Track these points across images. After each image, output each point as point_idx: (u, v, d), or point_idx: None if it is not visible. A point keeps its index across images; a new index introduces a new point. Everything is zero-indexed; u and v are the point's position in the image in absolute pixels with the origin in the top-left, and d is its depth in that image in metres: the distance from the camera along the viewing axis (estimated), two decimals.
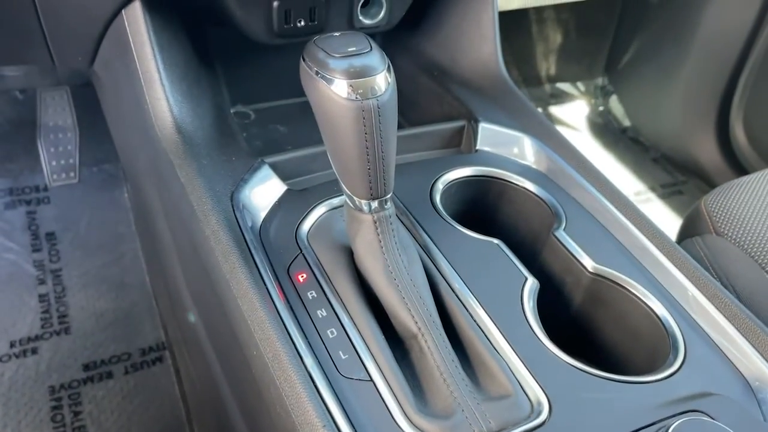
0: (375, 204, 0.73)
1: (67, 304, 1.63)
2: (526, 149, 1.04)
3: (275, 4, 1.02)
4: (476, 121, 1.07)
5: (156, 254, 1.24)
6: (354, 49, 0.70)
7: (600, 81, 2.45)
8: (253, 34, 1.06)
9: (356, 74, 0.67)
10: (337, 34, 0.74)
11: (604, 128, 2.42)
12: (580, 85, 2.46)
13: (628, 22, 2.32)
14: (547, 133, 1.07)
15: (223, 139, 1.00)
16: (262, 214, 0.88)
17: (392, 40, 1.30)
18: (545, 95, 2.42)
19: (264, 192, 0.91)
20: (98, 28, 1.01)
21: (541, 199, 0.96)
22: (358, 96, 0.67)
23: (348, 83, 0.66)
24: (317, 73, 0.68)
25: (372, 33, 1.24)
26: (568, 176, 0.99)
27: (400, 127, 1.20)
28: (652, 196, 2.19)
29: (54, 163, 1.75)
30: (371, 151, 0.69)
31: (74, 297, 1.65)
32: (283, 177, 0.94)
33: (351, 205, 0.75)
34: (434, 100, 1.20)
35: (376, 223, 0.74)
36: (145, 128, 1.00)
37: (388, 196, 0.74)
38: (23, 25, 1.03)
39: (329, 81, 0.67)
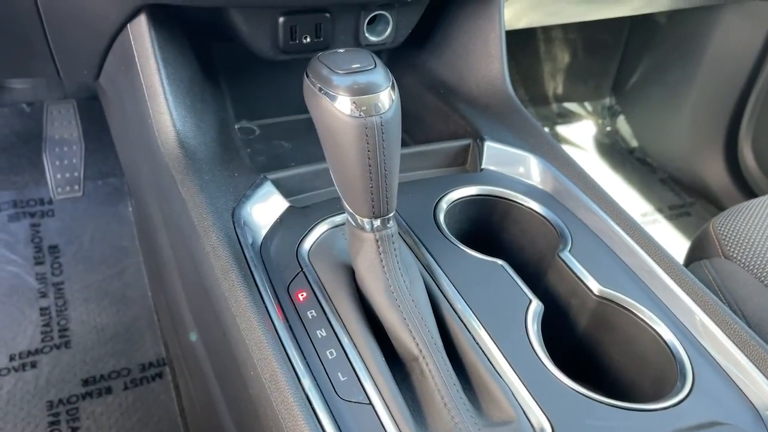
0: (377, 222, 0.72)
1: (68, 318, 1.62)
2: (532, 169, 1.03)
3: (281, 20, 1.02)
4: (482, 140, 1.06)
5: (157, 269, 1.23)
6: (358, 65, 0.70)
7: (607, 101, 2.44)
8: (258, 50, 1.06)
9: (360, 91, 0.66)
10: (341, 50, 0.73)
11: (611, 148, 2.41)
12: (587, 104, 2.45)
13: (635, 43, 2.32)
14: (553, 153, 1.06)
15: (226, 155, 0.99)
16: (263, 231, 0.87)
17: (398, 58, 1.30)
18: (552, 114, 2.42)
19: (266, 209, 0.90)
20: (103, 42, 1.01)
21: (547, 219, 0.94)
22: (361, 113, 0.66)
23: (351, 100, 0.66)
24: (320, 90, 0.67)
25: (378, 50, 1.24)
26: (575, 197, 0.97)
27: (404, 144, 1.20)
28: (659, 217, 2.17)
29: (59, 176, 1.75)
30: (374, 168, 0.69)
31: (75, 311, 1.64)
32: (286, 193, 0.94)
33: (353, 223, 0.74)
34: (440, 118, 1.20)
35: (378, 242, 0.73)
36: (148, 142, 1.00)
37: (391, 214, 0.73)
38: (29, 38, 1.03)
39: (332, 97, 0.66)
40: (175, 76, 0.98)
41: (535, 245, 0.95)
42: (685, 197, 2.23)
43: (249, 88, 1.27)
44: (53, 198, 1.76)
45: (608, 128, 2.43)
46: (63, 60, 1.10)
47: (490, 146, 1.06)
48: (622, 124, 2.41)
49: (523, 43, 2.32)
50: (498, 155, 1.06)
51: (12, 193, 1.81)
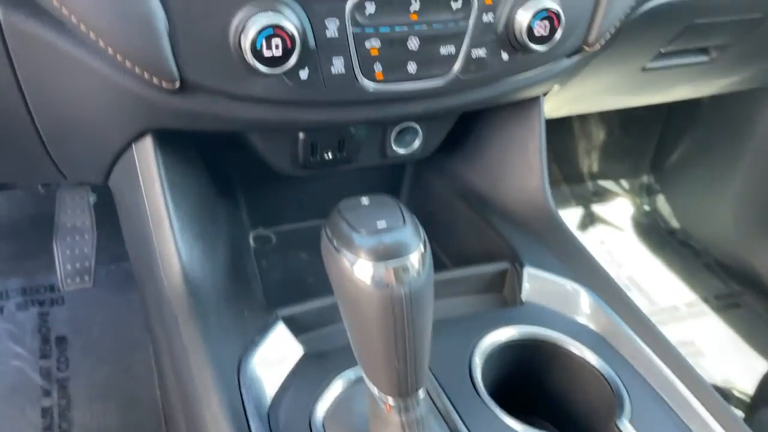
0: (403, 403, 0.61)
1: (70, 421, 1.52)
2: (580, 303, 0.91)
3: (301, 136, 0.93)
4: (521, 265, 0.95)
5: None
6: (384, 224, 0.60)
7: (645, 179, 2.32)
8: (275, 166, 0.97)
9: (385, 254, 0.57)
10: (365, 200, 0.64)
11: (650, 229, 2.27)
12: (624, 183, 2.33)
13: (676, 120, 2.21)
14: (603, 284, 0.94)
15: (236, 287, 0.90)
16: (273, 390, 0.76)
17: (426, 161, 1.20)
18: (587, 193, 2.30)
19: (276, 357, 0.80)
20: (107, 160, 0.93)
21: (600, 373, 0.82)
22: (387, 282, 0.56)
23: (374, 266, 0.56)
24: (339, 250, 0.57)
25: (405, 161, 1.15)
26: (630, 342, 0.85)
27: (435, 257, 1.09)
28: (705, 308, 2.02)
29: (68, 266, 1.67)
30: (400, 346, 0.58)
31: (79, 411, 1.54)
32: (300, 330, 0.84)
33: (374, 396, 0.63)
34: (473, 232, 1.09)
35: (404, 428, 0.62)
36: (151, 268, 0.90)
37: (420, 390, 0.62)
38: (28, 149, 0.96)
39: (352, 261, 0.56)
40: (183, 199, 0.89)
41: (587, 403, 0.83)
42: (734, 286, 2.08)
43: (266, 192, 1.18)
44: (62, 289, 1.68)
45: (647, 208, 2.31)
46: (66, 169, 1.03)
47: (530, 273, 0.95)
48: (662, 203, 2.28)
49: (555, 118, 2.23)
50: (540, 285, 0.94)
51: (22, 280, 1.74)
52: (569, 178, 2.28)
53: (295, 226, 1.21)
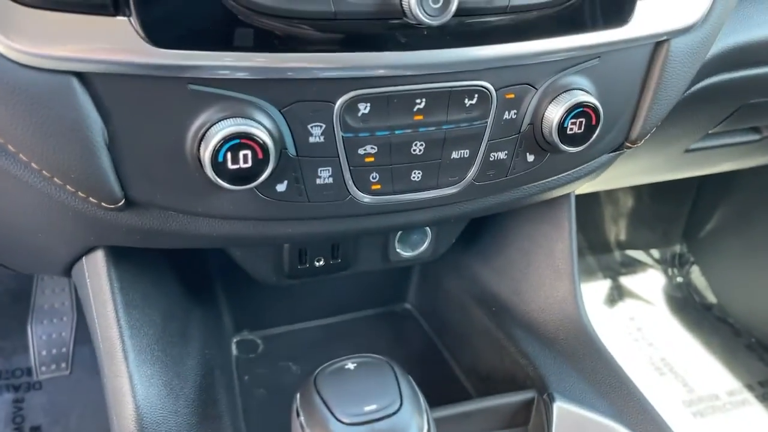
0: None
1: None
2: None
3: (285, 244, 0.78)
4: (550, 398, 0.79)
5: None
6: (374, 407, 0.44)
7: (678, 249, 2.15)
8: (256, 276, 0.82)
9: None
10: (350, 365, 0.49)
11: (684, 303, 2.09)
12: (654, 252, 2.17)
13: (710, 186, 2.05)
14: (647, 420, 0.78)
15: (204, 425, 0.74)
16: None
17: (438, 257, 1.05)
18: (615, 263, 2.14)
19: None
20: (58, 268, 0.78)
21: None
22: None
23: None
24: None
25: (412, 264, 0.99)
26: None
27: (446, 366, 0.93)
28: (749, 396, 1.82)
29: (44, 352, 1.53)
30: None
31: None
32: None
33: None
34: (492, 347, 0.93)
35: None
36: (105, 395, 0.75)
37: None
38: None
39: None
40: (143, 321, 0.74)
41: None
42: None
43: (251, 292, 1.03)
44: (36, 377, 1.53)
45: (680, 280, 2.13)
46: (18, 268, 0.90)
47: (561, 408, 0.79)
48: (696, 275, 2.11)
49: None
50: (573, 422, 0.78)
51: None
52: (595, 247, 2.12)
53: (284, 330, 1.05)
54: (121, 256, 0.72)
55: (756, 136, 1.12)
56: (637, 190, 2.10)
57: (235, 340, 1.02)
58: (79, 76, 0.51)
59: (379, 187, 0.64)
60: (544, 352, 0.87)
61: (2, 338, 1.63)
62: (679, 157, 1.11)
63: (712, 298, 2.08)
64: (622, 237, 2.15)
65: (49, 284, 1.56)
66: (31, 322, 1.55)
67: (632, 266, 2.15)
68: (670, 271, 2.16)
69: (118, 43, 0.50)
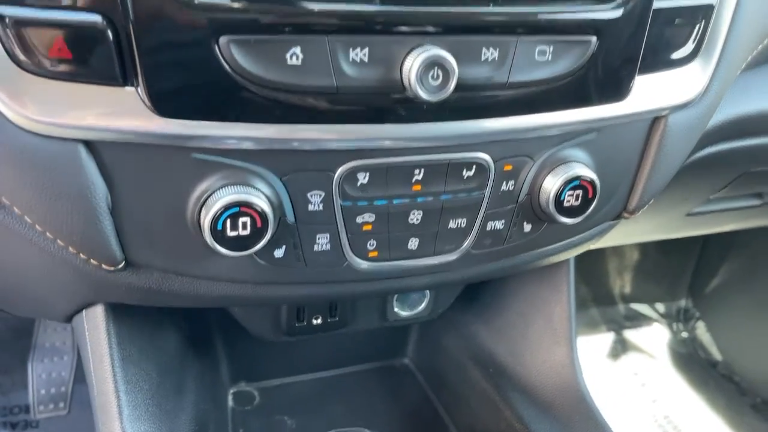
0: None
1: None
2: None
3: None
4: None
5: None
6: None
7: (683, 303, 2.14)
8: (253, 332, 0.83)
9: None
10: None
11: (689, 360, 2.07)
12: (659, 307, 2.15)
13: (717, 240, 2.04)
14: None
15: None
16: None
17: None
18: (619, 317, 2.12)
19: None
20: (59, 318, 0.79)
21: None
22: None
23: None
24: None
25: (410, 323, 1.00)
26: None
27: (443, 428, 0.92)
28: None
29: (43, 391, 1.53)
30: None
31: None
32: None
33: None
34: (489, 409, 0.92)
35: None
36: None
37: None
38: None
39: None
40: (139, 376, 0.75)
41: None
42: None
43: (249, 344, 1.03)
44: (34, 416, 1.52)
45: (684, 335, 2.11)
46: (20, 313, 0.90)
47: None
48: (702, 331, 2.09)
49: None
50: None
51: None
52: (599, 299, 2.10)
53: (281, 382, 1.05)
54: (120, 311, 0.73)
55: (757, 202, 1.12)
56: (643, 244, 2.10)
57: (231, 391, 1.02)
58: (86, 143, 0.53)
59: (376, 254, 0.65)
60: (540, 418, 0.86)
61: (2, 374, 1.63)
62: (681, 219, 1.12)
63: (717, 355, 2.06)
64: (627, 290, 2.14)
65: (51, 323, 1.57)
66: (32, 359, 1.55)
67: (637, 320, 2.14)
68: (675, 326, 2.14)
69: (125, 112, 0.52)
